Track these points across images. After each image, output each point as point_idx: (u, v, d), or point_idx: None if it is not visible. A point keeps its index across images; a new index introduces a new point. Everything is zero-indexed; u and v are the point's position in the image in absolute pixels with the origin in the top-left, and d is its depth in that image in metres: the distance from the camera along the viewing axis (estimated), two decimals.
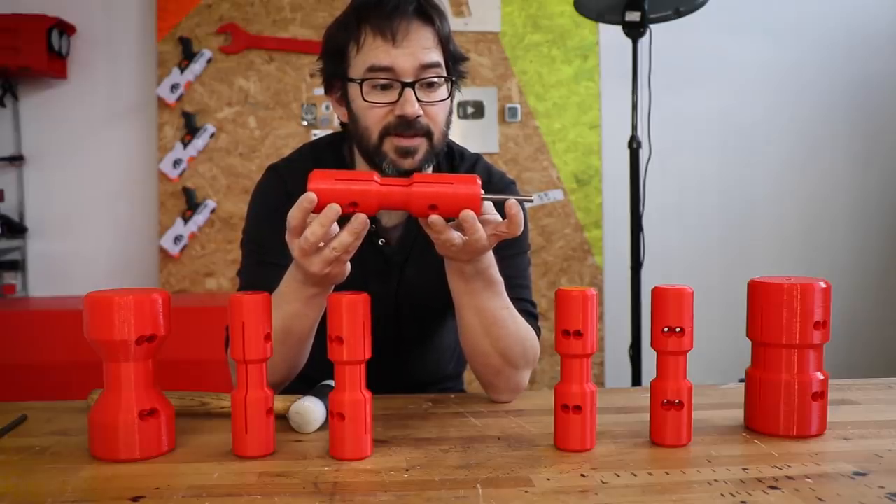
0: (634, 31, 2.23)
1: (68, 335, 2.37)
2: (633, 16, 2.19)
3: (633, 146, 2.28)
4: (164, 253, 2.92)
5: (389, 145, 1.07)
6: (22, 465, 0.81)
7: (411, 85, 1.04)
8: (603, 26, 3.00)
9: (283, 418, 0.93)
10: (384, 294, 1.16)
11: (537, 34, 3.05)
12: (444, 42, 1.09)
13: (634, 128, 2.28)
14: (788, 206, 3.25)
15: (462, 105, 3.00)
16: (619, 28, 2.26)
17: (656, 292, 0.86)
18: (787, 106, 3.23)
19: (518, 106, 3.02)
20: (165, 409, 0.84)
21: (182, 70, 2.91)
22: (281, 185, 1.14)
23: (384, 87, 1.05)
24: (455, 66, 1.13)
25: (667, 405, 0.85)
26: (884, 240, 3.29)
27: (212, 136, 2.93)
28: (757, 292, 0.90)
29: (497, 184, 1.20)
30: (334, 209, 0.84)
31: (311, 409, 0.91)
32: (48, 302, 2.83)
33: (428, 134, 1.07)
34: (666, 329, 0.85)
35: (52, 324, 2.50)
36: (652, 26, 2.26)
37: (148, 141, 2.98)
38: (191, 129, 2.92)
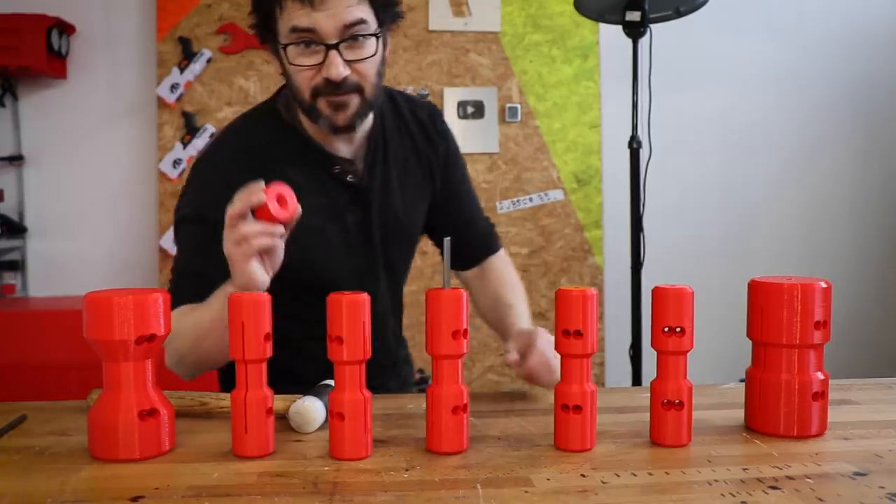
0: (634, 31, 2.23)
1: (68, 335, 2.38)
2: (634, 15, 2.19)
3: (633, 146, 2.28)
4: (164, 253, 2.92)
5: (323, 103, 1.10)
6: (22, 465, 0.81)
7: (335, 46, 1.06)
8: (603, 26, 3.00)
9: (282, 418, 0.93)
10: (359, 222, 1.22)
11: (537, 34, 3.05)
12: None
13: (634, 128, 2.28)
14: (789, 206, 3.25)
15: (462, 105, 2.99)
16: (619, 28, 2.26)
17: (656, 292, 0.85)
18: (788, 106, 3.23)
19: (518, 106, 3.02)
20: (165, 409, 0.84)
21: (182, 70, 2.91)
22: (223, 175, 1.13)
23: (308, 45, 1.07)
24: (385, 13, 1.13)
25: (667, 405, 0.85)
26: (884, 240, 3.29)
27: (211, 136, 2.93)
28: (757, 292, 0.89)
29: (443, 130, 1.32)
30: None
31: (310, 409, 0.91)
32: (48, 302, 2.83)
33: (359, 90, 1.10)
34: (666, 329, 0.84)
35: (52, 324, 2.50)
36: (652, 26, 2.26)
37: (148, 141, 2.98)
38: (190, 129, 2.92)
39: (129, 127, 2.99)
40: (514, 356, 1.02)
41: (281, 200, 0.94)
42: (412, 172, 1.27)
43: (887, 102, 3.26)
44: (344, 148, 1.20)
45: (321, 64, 1.07)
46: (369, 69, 1.10)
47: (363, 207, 1.22)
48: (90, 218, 3.00)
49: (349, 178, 1.20)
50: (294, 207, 0.95)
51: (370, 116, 1.19)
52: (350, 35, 1.06)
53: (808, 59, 3.22)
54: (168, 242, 2.91)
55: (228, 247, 0.94)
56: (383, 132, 1.25)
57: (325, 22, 1.05)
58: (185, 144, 2.92)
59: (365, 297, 0.81)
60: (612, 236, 3.04)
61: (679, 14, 2.30)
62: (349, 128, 1.13)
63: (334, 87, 1.08)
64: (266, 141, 1.17)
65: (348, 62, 1.07)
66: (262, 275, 0.95)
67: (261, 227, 0.93)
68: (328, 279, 1.14)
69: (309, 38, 1.06)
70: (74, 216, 3.00)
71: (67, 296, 2.91)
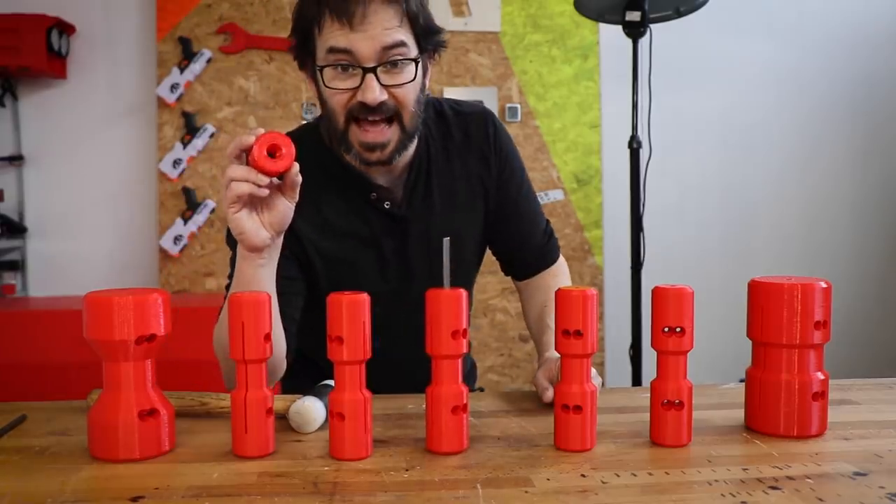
0: (634, 31, 2.23)
1: (68, 335, 2.37)
2: (634, 15, 2.19)
3: (633, 146, 2.28)
4: (163, 253, 2.92)
5: (354, 136, 1.07)
6: (22, 465, 0.81)
7: (372, 70, 1.02)
8: (603, 26, 3.00)
9: (283, 418, 0.93)
10: (397, 249, 1.19)
11: (537, 34, 3.05)
12: (413, 18, 1.06)
13: (634, 128, 2.28)
14: (789, 206, 3.25)
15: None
16: (619, 28, 2.26)
17: (656, 292, 0.85)
18: (788, 105, 3.23)
19: (518, 106, 3.02)
20: (165, 409, 0.84)
21: (182, 70, 2.91)
22: None
23: (345, 69, 1.04)
24: (427, 40, 1.09)
25: (667, 405, 0.85)
26: (884, 240, 3.29)
27: (211, 135, 2.93)
28: (757, 292, 0.89)
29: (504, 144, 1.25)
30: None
31: (310, 409, 0.91)
32: (48, 302, 2.83)
33: (397, 116, 1.06)
34: (666, 329, 0.84)
35: (52, 324, 2.50)
36: (652, 26, 2.26)
37: (148, 141, 2.98)
38: (190, 129, 2.92)
39: (129, 127, 2.99)
40: (549, 395, 0.98)
41: (275, 150, 0.92)
42: (462, 196, 1.22)
43: (887, 102, 3.26)
44: (382, 176, 1.16)
45: (357, 88, 1.04)
46: (408, 94, 1.06)
47: (401, 235, 1.19)
48: (90, 218, 3.00)
49: (386, 205, 1.17)
50: (287, 161, 0.92)
51: (412, 145, 1.14)
52: (388, 59, 1.03)
53: (808, 59, 3.22)
54: (168, 242, 2.91)
55: (222, 191, 0.95)
56: (428, 157, 1.20)
57: (363, 44, 1.01)
58: (185, 144, 2.92)
59: (364, 297, 0.81)
60: (612, 236, 3.04)
61: (679, 14, 2.31)
62: (384, 163, 1.09)
63: (369, 111, 1.04)
64: (304, 162, 1.16)
65: (386, 87, 1.04)
66: (251, 225, 0.94)
67: (243, 171, 0.91)
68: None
69: (346, 60, 1.03)
70: (74, 216, 3.00)
71: (67, 296, 2.91)
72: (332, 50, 1.03)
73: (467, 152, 1.22)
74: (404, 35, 1.04)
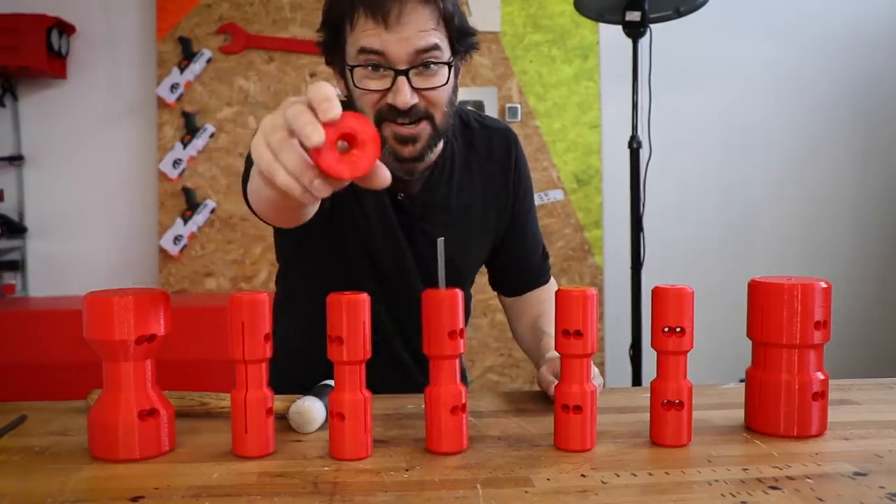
0: (634, 31, 2.23)
1: (68, 335, 2.37)
2: (634, 15, 2.19)
3: (633, 146, 2.28)
4: (163, 253, 2.92)
5: (389, 131, 1.04)
6: (22, 465, 0.81)
7: (405, 73, 1.00)
8: (603, 26, 3.00)
9: (283, 418, 0.93)
10: (402, 246, 1.17)
11: (537, 34, 3.05)
12: (448, 20, 1.03)
13: (634, 128, 2.28)
14: (789, 206, 3.25)
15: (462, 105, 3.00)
16: (619, 28, 2.26)
17: (656, 292, 0.85)
18: (788, 106, 3.23)
19: (518, 106, 3.02)
20: (165, 409, 0.84)
21: (182, 70, 2.91)
22: None
23: (376, 69, 1.01)
24: (461, 42, 1.07)
25: (667, 405, 0.85)
26: (884, 240, 3.29)
27: (211, 136, 2.93)
28: (757, 292, 0.89)
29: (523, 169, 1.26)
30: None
31: (310, 409, 0.91)
32: (48, 302, 2.83)
33: (428, 117, 1.04)
34: (666, 329, 0.84)
35: (52, 324, 2.50)
36: (652, 26, 2.26)
37: (148, 141, 2.98)
38: (190, 129, 2.92)
39: (129, 127, 2.99)
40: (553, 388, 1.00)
41: (353, 141, 0.65)
42: (476, 204, 1.21)
43: (887, 102, 3.26)
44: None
45: (388, 89, 1.01)
46: (440, 96, 1.04)
47: (409, 228, 1.17)
48: (90, 218, 3.00)
49: (399, 196, 1.15)
50: (366, 163, 0.64)
51: (440, 144, 1.12)
52: (421, 62, 1.00)
53: (808, 59, 3.22)
54: (168, 243, 2.91)
55: (267, 128, 0.65)
56: (452, 161, 1.19)
57: (397, 46, 0.98)
58: (185, 144, 2.92)
59: (364, 297, 0.81)
60: (612, 236, 3.04)
61: (679, 14, 2.31)
62: (416, 160, 1.07)
63: (401, 114, 1.02)
64: None
65: (417, 90, 1.01)
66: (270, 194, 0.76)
67: (298, 164, 0.62)
68: (359, 280, 1.11)
69: (378, 61, 0.99)
70: (74, 216, 3.00)
71: (67, 296, 2.91)
72: (363, 49, 1.00)
73: (488, 164, 1.22)
74: (439, 37, 1.02)
